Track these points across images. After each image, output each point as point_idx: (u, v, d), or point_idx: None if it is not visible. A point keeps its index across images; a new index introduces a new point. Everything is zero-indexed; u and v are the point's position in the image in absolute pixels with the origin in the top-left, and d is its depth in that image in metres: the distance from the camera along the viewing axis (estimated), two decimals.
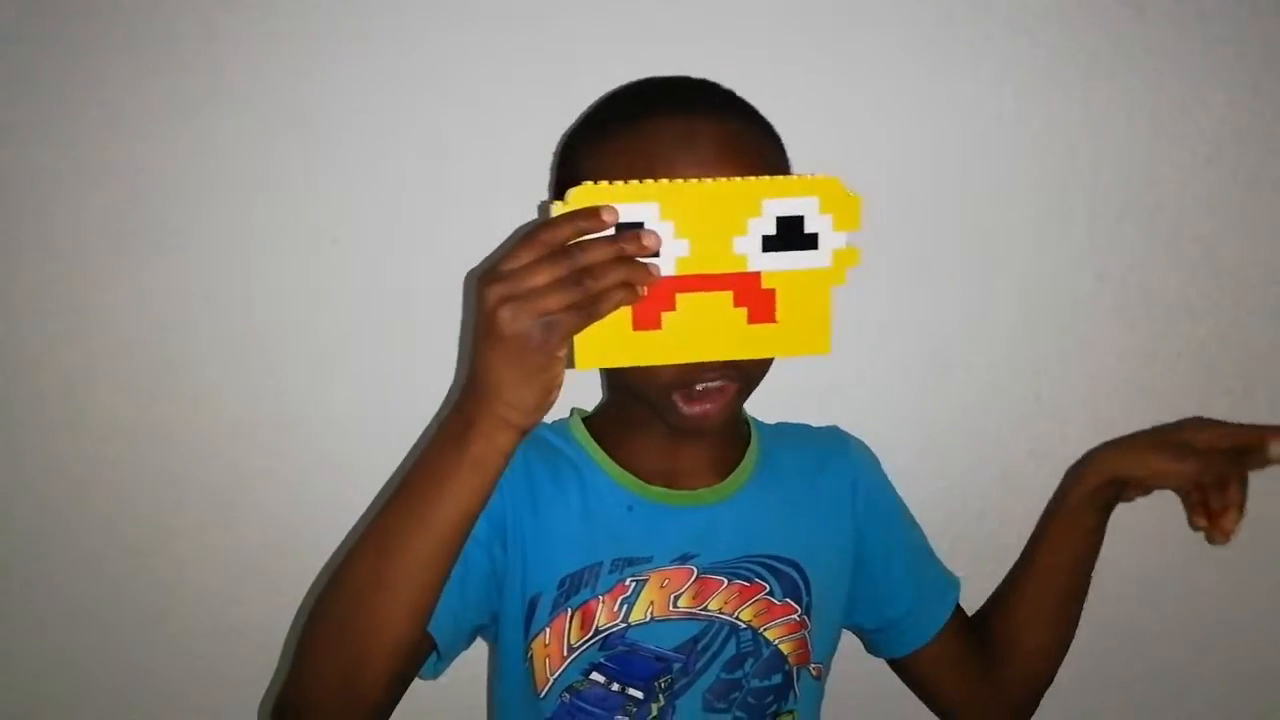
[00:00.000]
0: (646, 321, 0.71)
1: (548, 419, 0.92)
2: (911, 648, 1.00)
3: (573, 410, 0.96)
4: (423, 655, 0.80)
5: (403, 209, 1.02)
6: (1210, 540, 0.89)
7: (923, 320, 1.09)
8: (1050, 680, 1.00)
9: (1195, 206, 1.07)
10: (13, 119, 0.97)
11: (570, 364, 0.70)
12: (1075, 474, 0.99)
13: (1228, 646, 1.17)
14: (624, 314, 0.70)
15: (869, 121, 1.04)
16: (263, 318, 1.03)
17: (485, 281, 0.65)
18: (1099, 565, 0.98)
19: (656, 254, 0.68)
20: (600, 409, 0.98)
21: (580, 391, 1.00)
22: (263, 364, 1.03)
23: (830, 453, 0.99)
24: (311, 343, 1.04)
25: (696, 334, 0.71)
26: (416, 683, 0.81)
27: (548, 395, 0.68)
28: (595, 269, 0.65)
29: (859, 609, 0.99)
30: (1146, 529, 1.06)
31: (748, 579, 0.89)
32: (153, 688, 1.08)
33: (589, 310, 0.65)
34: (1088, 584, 0.99)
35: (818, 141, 0.97)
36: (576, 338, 0.69)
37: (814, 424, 1.03)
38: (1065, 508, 0.98)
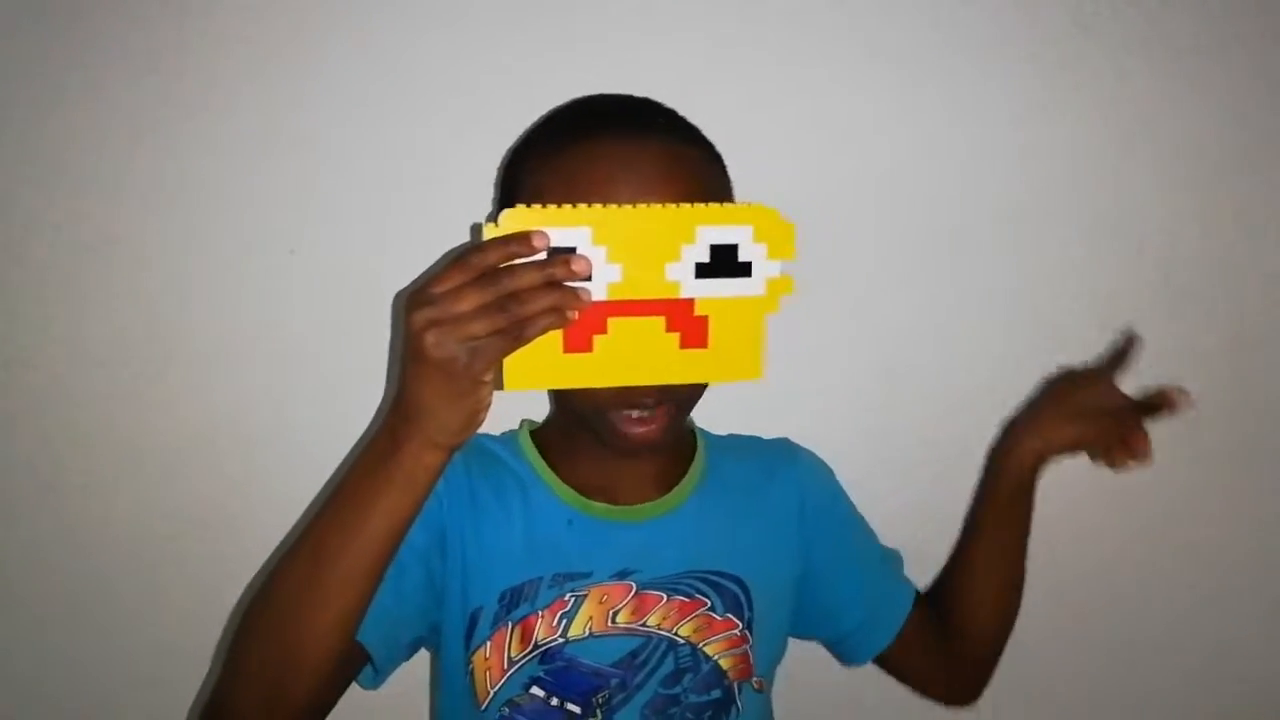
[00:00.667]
0: (577, 344, 0.71)
1: (495, 430, 0.94)
2: (869, 656, 1.02)
3: (522, 422, 0.96)
4: (355, 665, 0.81)
5: (362, 219, 1.01)
6: (1125, 467, 0.92)
7: (878, 332, 1.09)
8: (1008, 637, 1.03)
9: (1149, 221, 1.09)
10: None
11: (499, 385, 0.70)
12: (1003, 461, 1.01)
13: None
14: (554, 336, 0.70)
15: (826, 138, 1.05)
16: (221, 329, 1.02)
17: (412, 305, 0.65)
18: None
19: (588, 279, 0.68)
20: (546, 422, 0.98)
21: (533, 403, 1.00)
22: (222, 376, 1.03)
23: (778, 465, 0.99)
24: (271, 353, 1.03)
25: (628, 358, 0.71)
26: (358, 691, 0.81)
27: (474, 417, 0.68)
28: (522, 294, 0.65)
29: (811, 621, 1.00)
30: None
31: (688, 594, 0.90)
32: (111, 697, 1.08)
33: (515, 335, 0.65)
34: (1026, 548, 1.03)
35: (773, 158, 1.00)
36: (505, 359, 0.69)
37: (768, 435, 1.04)
38: (1003, 495, 1.00)
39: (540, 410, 0.99)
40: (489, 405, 0.68)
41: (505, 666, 0.87)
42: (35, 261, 0.99)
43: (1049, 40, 1.04)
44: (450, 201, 0.99)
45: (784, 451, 1.02)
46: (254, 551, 1.02)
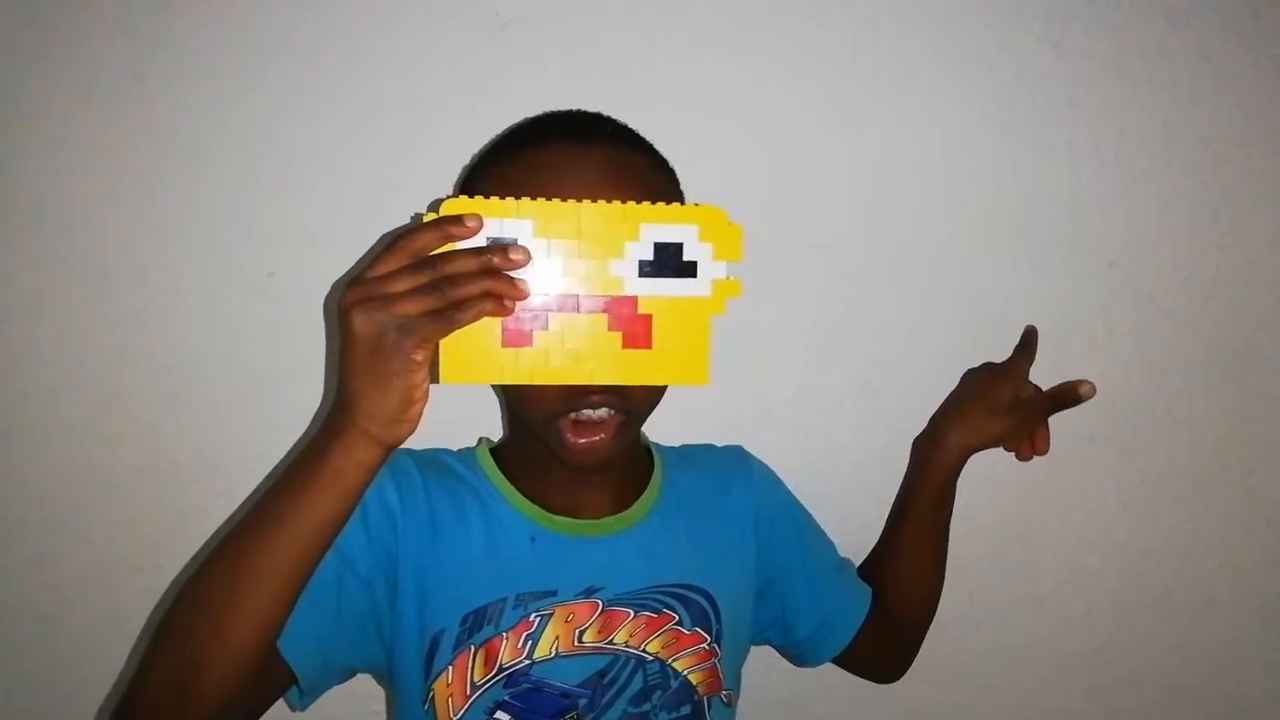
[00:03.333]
0: (517, 339, 0.70)
1: (455, 446, 0.92)
2: (827, 658, 1.03)
3: (480, 439, 0.95)
4: (278, 682, 0.78)
5: (339, 242, 1.00)
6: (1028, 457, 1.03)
7: (852, 343, 1.09)
8: (932, 616, 1.07)
9: (1113, 234, 1.10)
10: None
11: (435, 378, 0.69)
12: (932, 454, 1.04)
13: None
14: (493, 330, 0.69)
15: (802, 145, 1.05)
16: (198, 353, 1.02)
17: (345, 288, 0.66)
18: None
19: (526, 266, 0.67)
20: (503, 441, 0.97)
21: (490, 424, 0.99)
22: (196, 401, 1.02)
23: (733, 476, 0.98)
24: (247, 378, 1.02)
25: (570, 356, 0.71)
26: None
27: (408, 406, 0.67)
28: (457, 278, 0.65)
29: (768, 629, 1.00)
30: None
31: (655, 610, 0.88)
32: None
33: (449, 317, 0.65)
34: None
35: (748, 165, 1.01)
36: (443, 350, 0.69)
37: (751, 446, 1.04)
38: (932, 486, 1.03)
39: (496, 430, 0.99)
40: (424, 395, 0.67)
41: (468, 692, 0.84)
42: (3, 289, 0.99)
43: (1017, 52, 1.06)
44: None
45: (738, 462, 1.01)
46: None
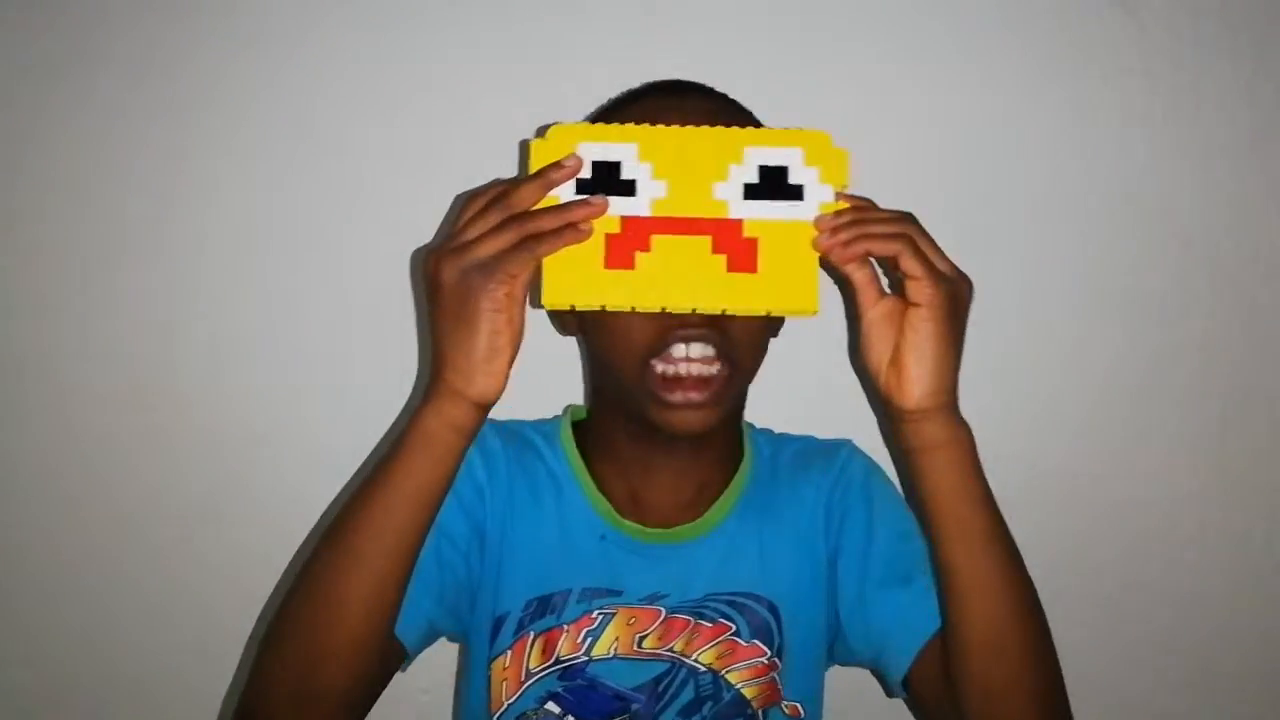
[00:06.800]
0: (619, 260, 0.69)
1: (540, 414, 0.92)
2: (893, 688, 0.83)
3: (566, 408, 0.92)
4: (389, 664, 0.76)
5: (380, 211, 1.00)
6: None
7: None
8: (1018, 656, 0.74)
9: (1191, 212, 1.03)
10: None
11: (537, 303, 0.69)
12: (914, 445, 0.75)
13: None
14: (596, 251, 0.69)
15: (875, 113, 1.00)
16: (242, 323, 1.02)
17: (429, 251, 0.69)
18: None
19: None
20: (588, 414, 0.92)
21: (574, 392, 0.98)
22: (239, 372, 1.02)
23: (814, 470, 0.90)
24: (289, 349, 1.02)
25: (672, 278, 0.69)
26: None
27: (494, 356, 0.67)
28: (534, 214, 0.67)
29: (843, 637, 0.85)
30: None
31: (712, 619, 0.83)
32: (137, 697, 1.04)
33: (527, 248, 0.66)
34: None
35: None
36: (545, 271, 0.68)
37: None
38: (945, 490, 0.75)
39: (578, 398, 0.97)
40: (509, 343, 0.67)
41: (523, 678, 0.82)
42: (37, 261, 1.00)
43: (1087, 20, 1.00)
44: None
45: (828, 456, 0.91)
46: (270, 548, 0.99)
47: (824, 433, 0.95)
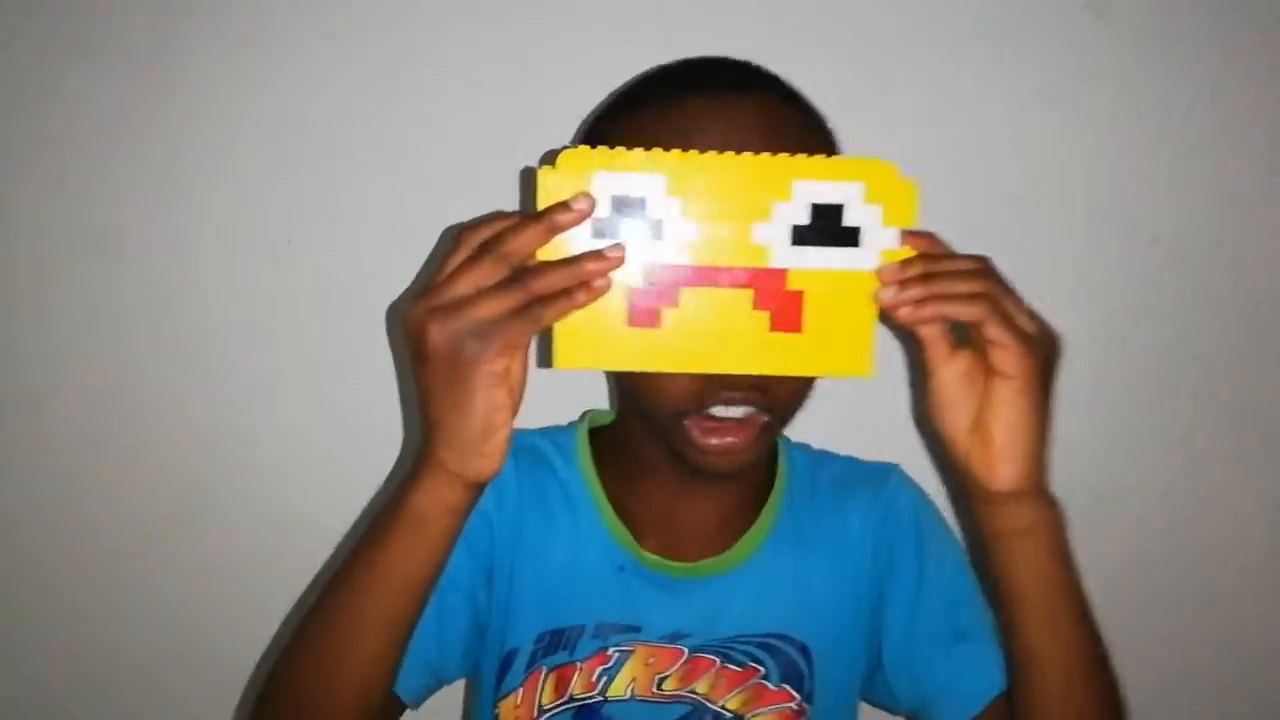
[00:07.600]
0: (643, 318, 0.59)
1: (557, 420, 0.85)
2: None
3: (583, 415, 0.85)
4: (390, 716, 0.74)
5: (362, 213, 0.95)
6: None
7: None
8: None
9: (1157, 210, 1.01)
10: None
11: (547, 363, 0.60)
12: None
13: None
14: (617, 305, 0.59)
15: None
16: (221, 325, 0.97)
17: (412, 300, 0.58)
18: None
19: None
20: (610, 423, 0.84)
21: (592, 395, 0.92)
22: (222, 374, 0.98)
23: (858, 500, 0.81)
24: (271, 351, 0.97)
25: (705, 339, 0.60)
26: None
27: (490, 434, 0.58)
28: (539, 265, 0.57)
29: (884, 681, 0.79)
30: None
31: (741, 663, 0.77)
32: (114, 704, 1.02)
33: (532, 314, 0.56)
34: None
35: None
36: (558, 330, 0.59)
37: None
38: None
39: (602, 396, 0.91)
40: (506, 420, 0.59)
41: (535, 715, 0.76)
42: (24, 261, 0.96)
43: (1059, 25, 0.97)
44: (459, 199, 0.91)
45: (874, 484, 0.82)
46: (247, 551, 0.98)
47: (858, 445, 0.88)
